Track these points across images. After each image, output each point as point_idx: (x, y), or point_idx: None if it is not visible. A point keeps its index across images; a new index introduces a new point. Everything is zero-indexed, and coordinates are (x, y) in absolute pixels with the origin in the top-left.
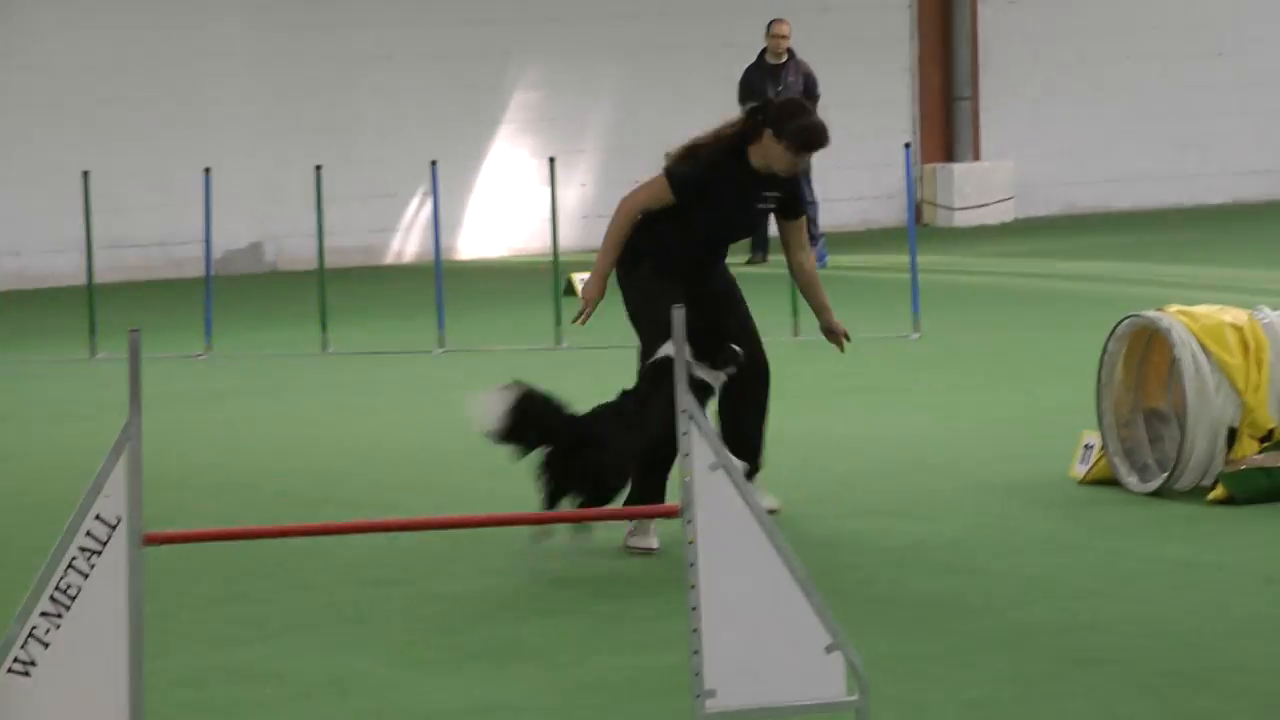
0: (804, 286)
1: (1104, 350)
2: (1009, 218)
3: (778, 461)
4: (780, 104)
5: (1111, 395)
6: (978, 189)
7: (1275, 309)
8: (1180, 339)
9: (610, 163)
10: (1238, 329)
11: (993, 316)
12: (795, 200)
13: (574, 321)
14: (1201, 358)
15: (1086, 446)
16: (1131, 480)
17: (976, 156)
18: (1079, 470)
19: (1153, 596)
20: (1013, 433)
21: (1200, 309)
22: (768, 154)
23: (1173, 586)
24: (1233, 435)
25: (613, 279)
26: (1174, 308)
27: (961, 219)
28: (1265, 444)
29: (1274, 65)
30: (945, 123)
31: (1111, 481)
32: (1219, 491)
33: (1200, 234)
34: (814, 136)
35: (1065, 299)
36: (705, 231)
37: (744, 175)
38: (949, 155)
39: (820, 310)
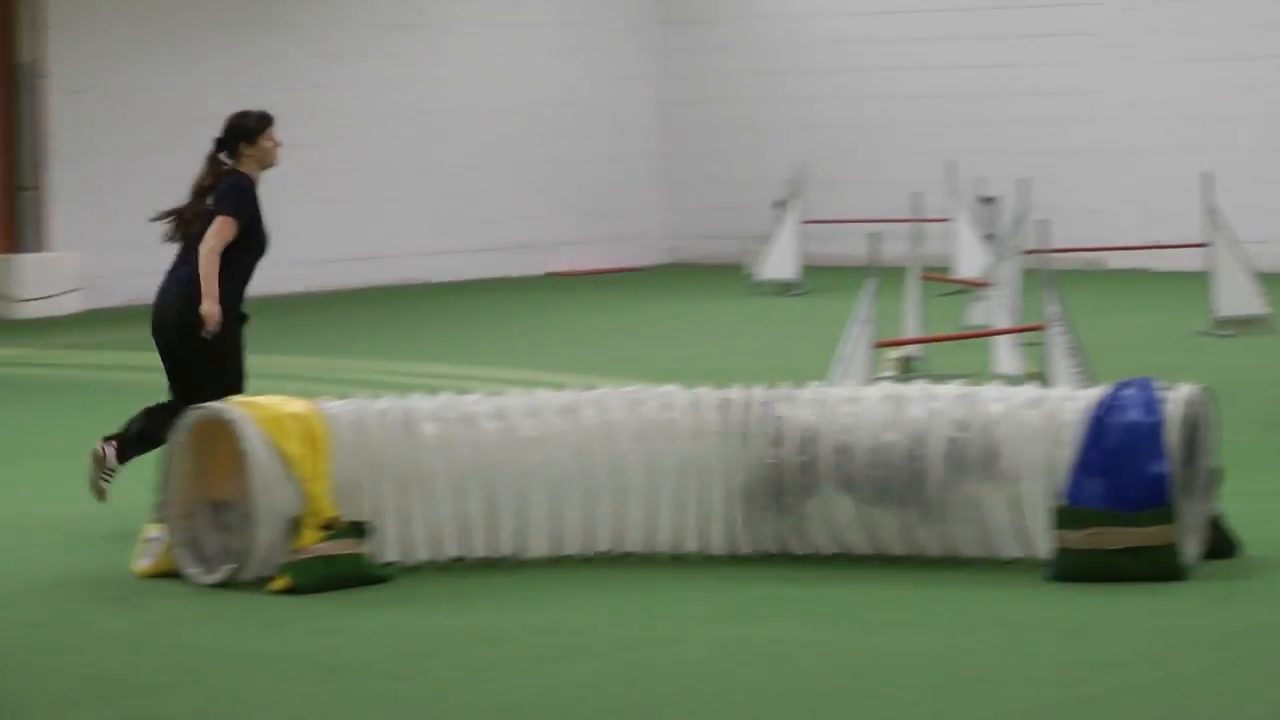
0: None
1: (168, 442)
2: (77, 308)
3: None
4: (230, 123)
5: (175, 486)
6: (45, 280)
7: (339, 399)
8: (245, 430)
9: None
10: (300, 419)
11: (62, 409)
12: None
13: (207, 332)
14: (266, 448)
15: (150, 539)
16: (195, 572)
17: (43, 247)
18: (143, 564)
19: (216, 689)
20: (77, 527)
21: (265, 399)
22: (264, 157)
23: (235, 677)
24: (296, 525)
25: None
26: (239, 398)
27: (27, 311)
28: (327, 533)
29: (338, 158)
30: (10, 213)
31: (176, 574)
32: (282, 581)
33: (274, 324)
34: (263, 112)
35: (138, 390)
36: (262, 246)
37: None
38: (14, 246)
39: None
